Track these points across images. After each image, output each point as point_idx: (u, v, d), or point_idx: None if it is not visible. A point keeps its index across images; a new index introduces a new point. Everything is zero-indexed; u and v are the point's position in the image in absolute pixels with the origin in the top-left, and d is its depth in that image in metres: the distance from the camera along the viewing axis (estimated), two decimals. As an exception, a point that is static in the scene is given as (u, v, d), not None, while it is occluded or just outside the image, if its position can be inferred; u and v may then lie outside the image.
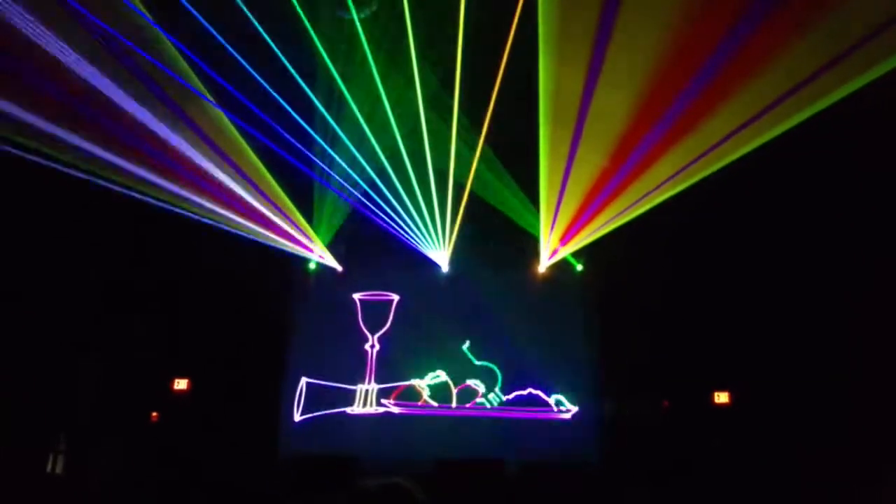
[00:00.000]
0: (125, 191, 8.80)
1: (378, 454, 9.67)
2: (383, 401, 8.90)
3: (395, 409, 8.77)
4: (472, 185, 10.39)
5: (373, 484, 7.35)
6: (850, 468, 8.19)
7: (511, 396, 9.64)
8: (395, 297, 8.97)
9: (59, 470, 9.66)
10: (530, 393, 9.55)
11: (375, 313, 8.88)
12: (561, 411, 9.46)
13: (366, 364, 9.07)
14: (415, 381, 8.94)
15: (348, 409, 8.89)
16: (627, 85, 8.16)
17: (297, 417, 8.84)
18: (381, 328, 9.04)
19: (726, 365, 9.85)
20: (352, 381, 9.59)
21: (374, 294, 8.66)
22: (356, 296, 8.89)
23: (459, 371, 9.75)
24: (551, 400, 9.44)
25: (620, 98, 8.33)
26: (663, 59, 7.64)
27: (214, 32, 7.75)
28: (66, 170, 7.98)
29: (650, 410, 9.88)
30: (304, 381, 8.77)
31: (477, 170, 10.18)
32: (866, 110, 7.66)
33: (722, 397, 9.99)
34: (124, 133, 8.20)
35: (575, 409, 9.35)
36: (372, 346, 8.78)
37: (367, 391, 8.83)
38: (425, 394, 9.25)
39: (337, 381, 9.60)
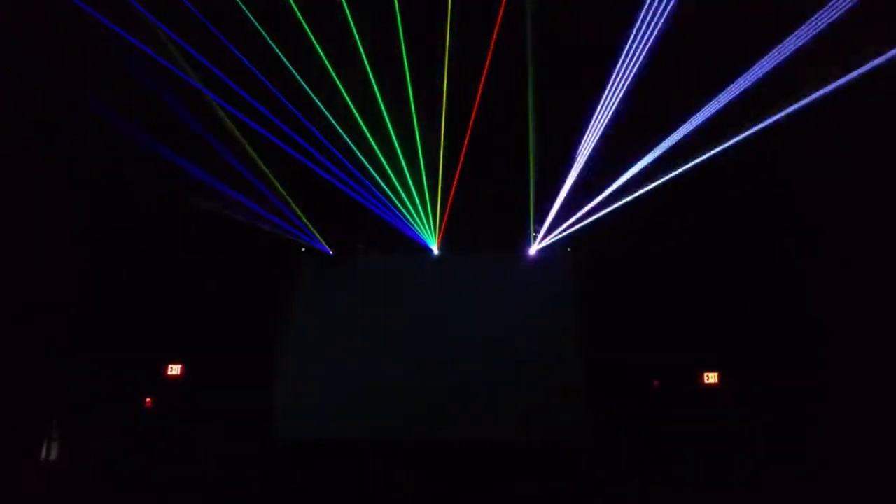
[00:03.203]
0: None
1: (371, 433, 9.98)
2: None
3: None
4: (461, 167, 10.38)
5: None
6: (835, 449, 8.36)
7: None
8: None
9: (52, 456, 9.68)
10: None
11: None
12: None
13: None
14: None
15: None
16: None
17: None
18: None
19: (716, 346, 9.95)
20: (344, 357, 10.79)
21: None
22: None
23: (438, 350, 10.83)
24: None
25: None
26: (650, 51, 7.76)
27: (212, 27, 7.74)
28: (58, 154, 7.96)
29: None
30: None
31: (467, 153, 10.15)
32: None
33: (711, 378, 10.10)
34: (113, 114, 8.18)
35: None
36: None
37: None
38: None
39: (330, 358, 10.78)
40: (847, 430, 8.50)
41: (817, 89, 7.34)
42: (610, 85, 8.35)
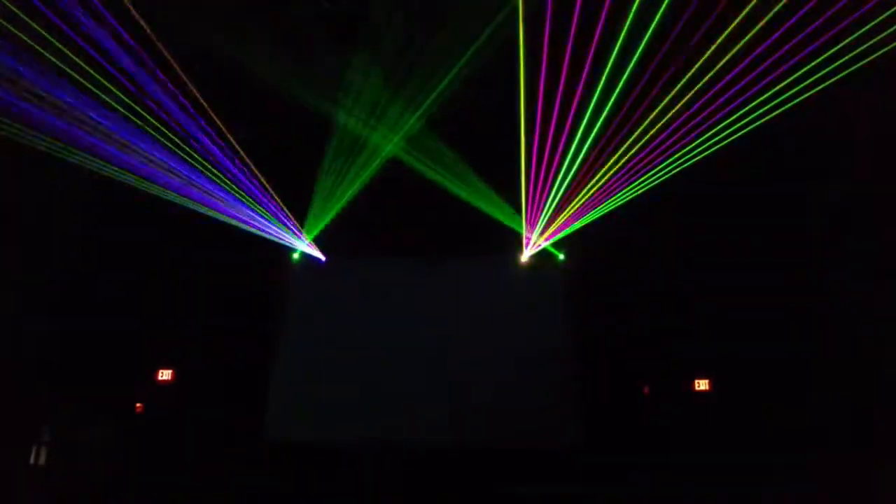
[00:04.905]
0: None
1: (368, 436, 9.97)
2: None
3: None
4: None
5: None
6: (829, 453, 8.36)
7: None
8: None
9: (42, 461, 9.61)
10: None
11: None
12: None
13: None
14: None
15: None
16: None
17: None
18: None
19: (707, 352, 9.97)
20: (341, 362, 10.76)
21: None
22: None
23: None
24: None
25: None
26: (643, 54, 7.88)
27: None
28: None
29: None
30: None
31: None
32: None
33: (702, 385, 10.11)
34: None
35: None
36: None
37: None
38: None
39: (326, 363, 10.74)
40: (843, 435, 8.52)
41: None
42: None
